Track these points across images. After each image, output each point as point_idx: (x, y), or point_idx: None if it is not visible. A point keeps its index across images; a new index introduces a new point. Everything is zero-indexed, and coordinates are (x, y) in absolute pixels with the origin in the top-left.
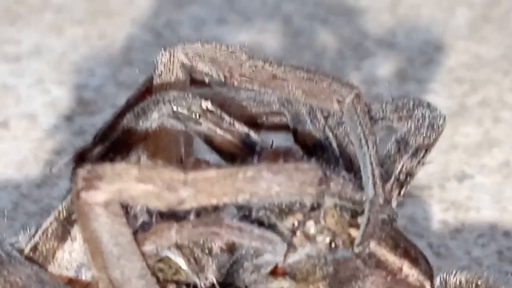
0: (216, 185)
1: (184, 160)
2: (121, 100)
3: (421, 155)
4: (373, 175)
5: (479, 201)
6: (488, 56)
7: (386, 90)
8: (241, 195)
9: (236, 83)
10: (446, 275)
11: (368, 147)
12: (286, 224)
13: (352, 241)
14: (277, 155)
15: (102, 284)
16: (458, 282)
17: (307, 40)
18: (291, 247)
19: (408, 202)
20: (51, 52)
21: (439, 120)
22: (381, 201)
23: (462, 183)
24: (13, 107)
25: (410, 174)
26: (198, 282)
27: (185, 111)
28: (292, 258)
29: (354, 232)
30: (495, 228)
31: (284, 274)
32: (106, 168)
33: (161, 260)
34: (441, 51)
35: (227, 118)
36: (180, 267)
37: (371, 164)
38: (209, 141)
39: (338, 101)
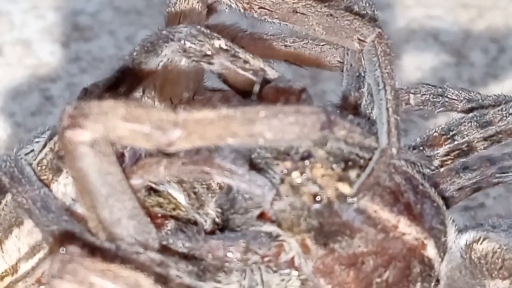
0: (209, 127)
1: (196, 96)
2: (118, 26)
3: (496, 139)
4: (388, 122)
5: None
6: None
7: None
8: (235, 138)
9: (255, 15)
10: (472, 241)
11: (385, 92)
12: (277, 170)
13: (339, 195)
14: (279, 93)
15: (92, 224)
16: (484, 252)
17: None
18: (277, 194)
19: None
20: None
21: None
22: (394, 151)
23: None
24: (7, 33)
25: (472, 149)
26: (198, 218)
27: (197, 48)
28: (277, 205)
29: (342, 187)
30: None
31: (270, 220)
32: (93, 105)
33: (160, 194)
34: None
35: (241, 55)
36: (179, 202)
37: (387, 110)
38: (223, 78)
39: (359, 40)
